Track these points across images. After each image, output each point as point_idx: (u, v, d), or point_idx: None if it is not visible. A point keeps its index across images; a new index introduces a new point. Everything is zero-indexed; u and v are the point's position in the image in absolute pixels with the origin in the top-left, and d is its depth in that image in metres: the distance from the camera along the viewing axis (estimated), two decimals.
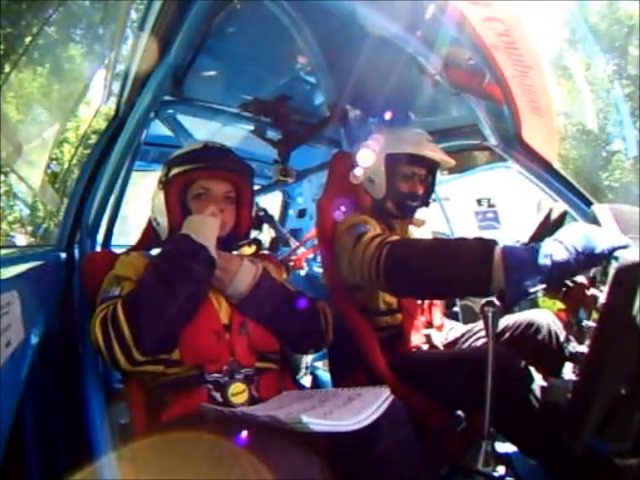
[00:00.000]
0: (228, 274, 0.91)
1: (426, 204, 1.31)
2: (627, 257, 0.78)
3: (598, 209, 1.10)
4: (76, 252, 1.18)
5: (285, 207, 2.59)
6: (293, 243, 2.19)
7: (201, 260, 0.85)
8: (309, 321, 0.99)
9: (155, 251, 1.06)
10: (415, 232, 1.36)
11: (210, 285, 0.91)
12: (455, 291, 0.97)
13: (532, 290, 0.84)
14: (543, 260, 0.81)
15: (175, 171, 0.96)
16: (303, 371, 1.97)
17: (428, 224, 1.40)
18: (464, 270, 0.87)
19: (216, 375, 0.86)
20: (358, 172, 1.31)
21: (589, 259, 0.80)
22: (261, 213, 2.06)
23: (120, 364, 0.80)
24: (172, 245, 0.89)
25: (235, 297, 0.92)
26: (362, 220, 1.20)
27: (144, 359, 0.81)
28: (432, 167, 1.28)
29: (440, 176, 1.82)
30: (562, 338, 1.10)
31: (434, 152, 1.24)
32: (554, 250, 0.81)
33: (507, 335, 1.17)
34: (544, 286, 0.84)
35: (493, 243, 0.86)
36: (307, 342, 1.03)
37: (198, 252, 0.85)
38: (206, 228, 0.88)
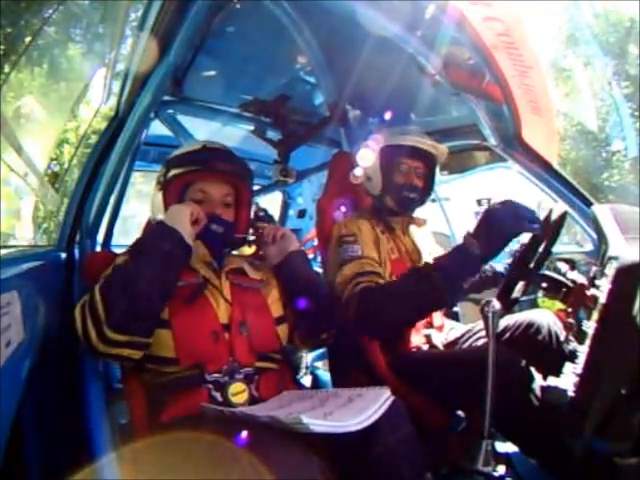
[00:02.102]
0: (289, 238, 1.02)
1: (425, 198, 1.31)
2: (627, 257, 0.78)
3: (598, 209, 1.10)
4: (76, 252, 1.18)
5: (285, 207, 2.58)
6: None
7: (171, 241, 0.86)
8: (330, 303, 1.04)
9: None
10: (416, 232, 1.36)
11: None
12: (423, 315, 1.17)
13: (468, 282, 1.08)
14: (465, 256, 0.98)
15: (173, 172, 0.96)
16: (303, 371, 1.97)
17: (428, 224, 1.40)
18: (417, 302, 1.05)
19: (216, 375, 0.86)
20: (358, 172, 1.31)
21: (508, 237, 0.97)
22: (261, 213, 2.06)
23: (93, 343, 0.79)
24: (148, 232, 0.92)
25: (281, 255, 1.01)
26: (352, 233, 1.20)
27: (117, 338, 0.79)
28: (428, 161, 1.28)
29: (440, 176, 1.82)
30: (562, 338, 1.10)
31: (422, 142, 1.24)
32: (469, 243, 0.98)
33: (507, 335, 1.17)
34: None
35: (427, 266, 1.05)
36: (323, 325, 1.03)
37: (168, 234, 0.86)
38: (178, 214, 0.89)
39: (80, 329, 0.81)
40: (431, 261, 1.06)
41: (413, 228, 1.36)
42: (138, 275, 0.82)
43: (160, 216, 0.98)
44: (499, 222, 0.96)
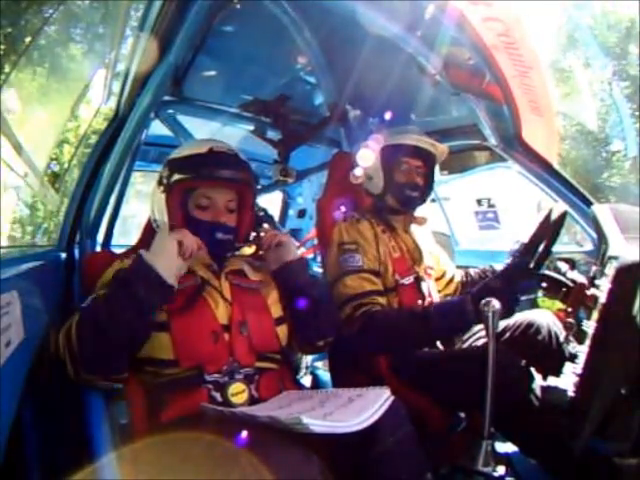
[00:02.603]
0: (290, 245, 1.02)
1: (426, 197, 1.31)
2: (627, 257, 0.78)
3: (598, 209, 1.10)
4: (76, 252, 1.18)
5: (285, 207, 2.59)
6: None
7: (148, 284, 0.80)
8: (328, 312, 1.03)
9: None
10: (417, 231, 1.37)
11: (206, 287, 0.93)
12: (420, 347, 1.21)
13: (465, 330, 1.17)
14: (460, 314, 1.05)
15: (177, 177, 0.94)
16: (303, 371, 1.96)
17: (429, 224, 1.40)
18: (413, 339, 1.15)
19: (216, 375, 0.86)
20: (358, 172, 1.31)
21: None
22: (261, 213, 2.06)
23: (70, 375, 0.82)
24: (131, 264, 0.86)
25: (279, 262, 1.00)
26: (353, 241, 1.20)
27: (91, 378, 0.82)
28: (428, 160, 1.29)
29: (440, 176, 1.82)
30: (562, 338, 1.10)
31: (422, 141, 1.25)
32: (466, 303, 1.04)
33: (507, 335, 1.17)
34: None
35: (425, 310, 1.14)
36: (320, 333, 1.02)
37: (147, 275, 0.81)
38: (162, 250, 0.84)
39: (62, 356, 0.82)
40: (432, 305, 1.19)
41: (414, 227, 1.36)
42: (111, 320, 0.79)
43: (161, 220, 0.97)
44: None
